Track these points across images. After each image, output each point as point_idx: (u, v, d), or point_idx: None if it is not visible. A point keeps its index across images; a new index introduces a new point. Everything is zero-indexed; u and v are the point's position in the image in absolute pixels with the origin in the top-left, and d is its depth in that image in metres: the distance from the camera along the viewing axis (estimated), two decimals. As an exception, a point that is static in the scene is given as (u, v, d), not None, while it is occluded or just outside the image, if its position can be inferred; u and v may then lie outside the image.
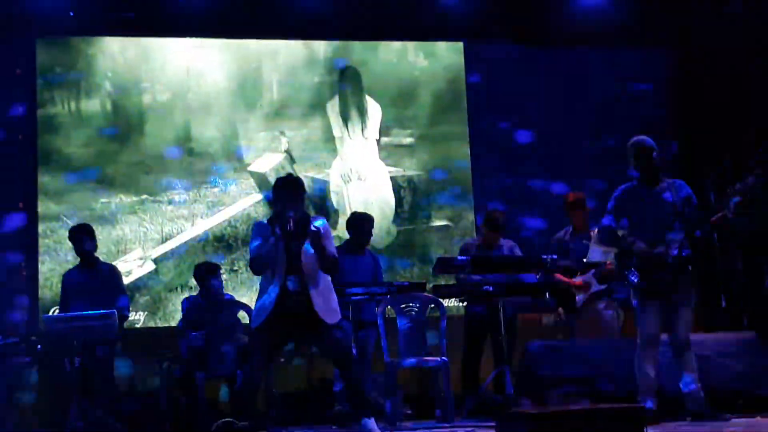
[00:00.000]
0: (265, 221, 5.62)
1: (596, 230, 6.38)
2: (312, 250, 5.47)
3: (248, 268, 8.39)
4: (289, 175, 5.96)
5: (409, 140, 9.23)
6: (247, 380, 5.65)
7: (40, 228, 8.36)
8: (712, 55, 9.29)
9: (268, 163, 8.88)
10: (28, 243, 8.35)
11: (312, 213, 7.39)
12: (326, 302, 5.52)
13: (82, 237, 7.22)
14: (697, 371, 5.82)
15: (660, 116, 9.51)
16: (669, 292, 5.80)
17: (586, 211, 7.41)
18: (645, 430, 4.35)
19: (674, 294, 5.80)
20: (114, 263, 7.88)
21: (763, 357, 6.45)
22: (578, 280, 7.18)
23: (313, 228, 5.45)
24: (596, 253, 6.85)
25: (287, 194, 5.58)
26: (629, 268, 5.83)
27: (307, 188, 6.43)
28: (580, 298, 7.16)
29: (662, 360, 5.88)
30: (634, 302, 5.94)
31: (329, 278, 5.61)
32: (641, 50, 9.64)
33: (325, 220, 5.72)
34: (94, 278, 7.17)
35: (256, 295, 5.67)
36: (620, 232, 5.98)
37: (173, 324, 8.02)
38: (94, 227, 7.42)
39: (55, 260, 8.28)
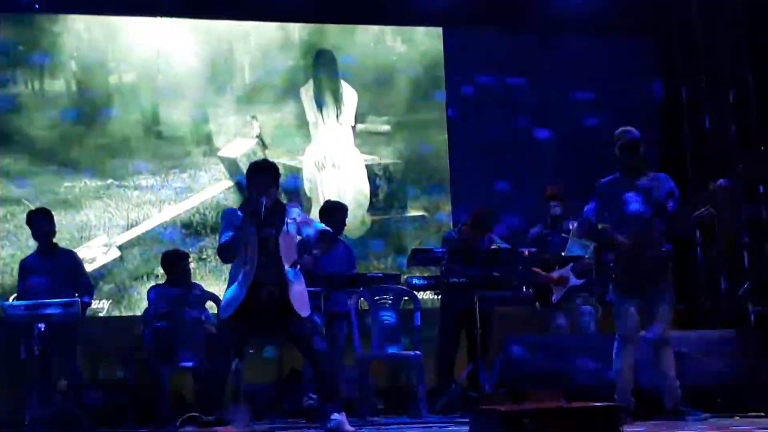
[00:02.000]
0: (236, 208, 5.60)
1: (576, 223, 6.41)
2: (288, 239, 5.46)
3: (217, 257, 8.46)
4: (263, 160, 5.94)
5: (385, 127, 9.23)
6: (215, 373, 5.65)
7: (1, 212, 8.29)
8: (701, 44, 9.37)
9: (239, 148, 8.86)
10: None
11: (284, 200, 7.39)
12: (300, 294, 5.51)
13: (40, 220, 7.16)
14: (675, 369, 5.87)
15: (646, 106, 9.57)
16: (648, 287, 5.84)
17: (563, 202, 7.43)
18: (622, 428, 4.39)
19: (653, 290, 5.85)
20: (77, 250, 7.85)
21: (743, 354, 6.52)
22: (556, 274, 7.22)
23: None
24: (575, 246, 6.91)
25: (260, 180, 5.55)
26: (608, 262, 5.87)
27: (279, 175, 6.41)
28: (557, 292, 7.20)
29: (640, 357, 5.92)
30: (613, 298, 5.98)
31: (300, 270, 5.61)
32: (627, 38, 9.67)
33: (300, 208, 5.72)
34: (53, 264, 7.11)
35: (224, 285, 5.66)
36: (600, 226, 6.01)
37: (138, 313, 7.99)
38: (57, 212, 7.39)
39: (16, 245, 8.21)
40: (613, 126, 6.11)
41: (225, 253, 5.55)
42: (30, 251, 7.63)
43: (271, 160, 6.21)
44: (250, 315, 5.44)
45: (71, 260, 7.25)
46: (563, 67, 9.44)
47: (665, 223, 5.87)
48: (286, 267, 5.45)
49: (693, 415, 5.75)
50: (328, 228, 5.73)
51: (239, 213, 5.51)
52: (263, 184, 5.52)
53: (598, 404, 4.48)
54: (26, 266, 7.20)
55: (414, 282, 7.18)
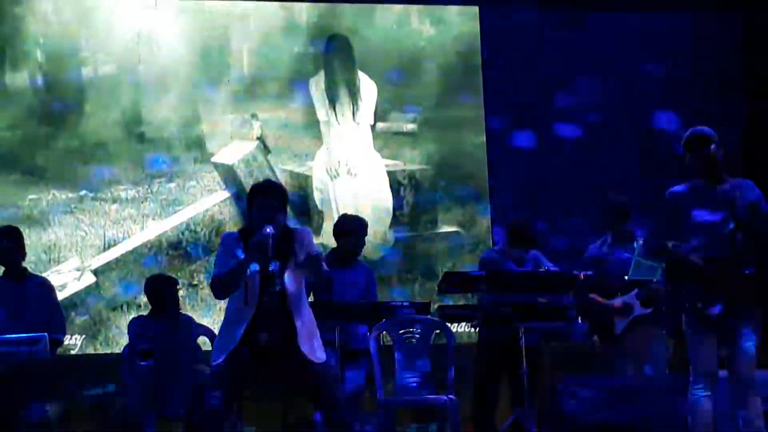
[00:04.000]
0: (236, 233, 5.61)
1: (641, 241, 6.39)
2: (298, 273, 5.47)
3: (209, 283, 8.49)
4: (268, 181, 5.96)
5: (411, 126, 9.26)
6: (207, 422, 5.66)
7: (-46, 230, 8.36)
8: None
9: (237, 153, 8.90)
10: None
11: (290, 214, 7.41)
12: (311, 337, 5.50)
13: (5, 242, 7.21)
14: (762, 416, 5.84)
15: (717, 96, 9.56)
16: (729, 318, 5.82)
17: (629, 218, 7.42)
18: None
19: (736, 321, 5.82)
20: (45, 275, 7.88)
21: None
22: (618, 302, 7.20)
23: (312, 253, 5.44)
24: (641, 268, 6.88)
25: (265, 205, 5.54)
26: (681, 288, 5.85)
27: (284, 186, 6.45)
28: (619, 323, 7.19)
29: (720, 401, 5.89)
30: (687, 330, 5.95)
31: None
32: (688, 14, 9.66)
33: (309, 230, 5.75)
34: (20, 294, 7.15)
35: (219, 316, 5.68)
36: (671, 244, 6.00)
37: (117, 350, 8.02)
38: (21, 230, 7.42)
39: (-28, 270, 8.29)
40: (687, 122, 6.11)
41: (219, 288, 5.55)
42: (-10, 277, 7.70)
43: (273, 167, 6.24)
44: (246, 363, 5.43)
45: (44, 290, 7.29)
46: (627, 50, 9.44)
47: (750, 241, 5.84)
48: (297, 304, 5.47)
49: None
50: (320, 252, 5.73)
51: (241, 241, 5.51)
52: (269, 211, 5.51)
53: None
54: (-10, 295, 7.26)
55: (447, 312, 7.17)
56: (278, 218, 5.50)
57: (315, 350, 5.48)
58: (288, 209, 5.79)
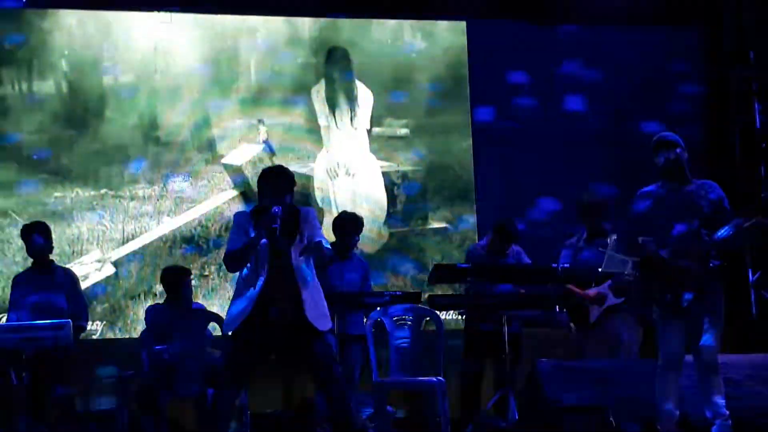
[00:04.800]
0: (248, 211, 5.63)
1: (614, 236, 6.38)
2: (303, 255, 5.48)
3: (220, 274, 8.48)
4: (277, 166, 5.98)
5: (403, 131, 9.24)
6: (220, 400, 5.65)
7: (-14, 225, 8.34)
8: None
9: (245, 154, 8.88)
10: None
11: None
12: (317, 306, 5.52)
13: (36, 237, 7.19)
14: (725, 397, 5.82)
15: (687, 104, 9.56)
16: (694, 307, 5.80)
17: (603, 215, 7.41)
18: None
19: (700, 310, 5.81)
20: (69, 266, 7.87)
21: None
22: (592, 292, 7.19)
23: (314, 239, 5.46)
24: (613, 261, 6.87)
25: (274, 187, 5.57)
26: (650, 280, 5.84)
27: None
28: (594, 312, 7.17)
29: (686, 384, 5.88)
30: (656, 319, 5.94)
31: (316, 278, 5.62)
32: (665, 28, 9.64)
33: (313, 210, 5.76)
34: (47, 283, 7.14)
35: (228, 304, 5.66)
36: (641, 239, 5.99)
37: (135, 335, 8.01)
38: (49, 225, 7.40)
39: (2, 262, 8.25)
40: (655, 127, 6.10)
41: (232, 262, 5.59)
42: (18, 268, 7.69)
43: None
44: (258, 331, 5.43)
45: (68, 280, 7.28)
46: (600, 61, 9.42)
47: (712, 235, 5.82)
48: (303, 278, 5.47)
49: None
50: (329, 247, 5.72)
51: (252, 220, 5.53)
52: (277, 192, 5.54)
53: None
54: (19, 284, 7.23)
55: (436, 301, 7.16)
56: (286, 199, 5.52)
57: (320, 319, 5.49)
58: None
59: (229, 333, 5.56)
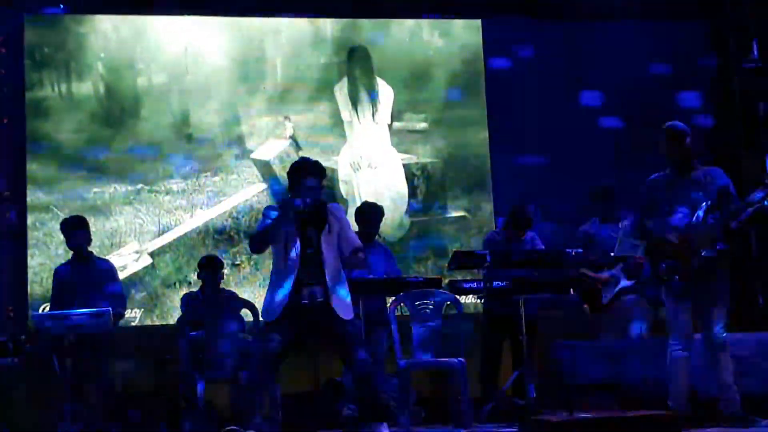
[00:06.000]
0: (276, 205, 5.67)
1: (625, 222, 6.37)
2: (333, 240, 5.51)
3: (251, 263, 8.51)
4: (306, 159, 6.00)
5: (423, 125, 9.22)
6: (253, 381, 5.68)
7: (29, 219, 8.37)
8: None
9: (272, 150, 8.89)
10: (16, 235, 8.36)
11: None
12: (343, 297, 5.57)
13: (76, 230, 7.25)
14: (732, 373, 5.81)
15: (699, 96, 9.51)
16: (702, 288, 5.79)
17: (614, 201, 7.39)
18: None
19: (707, 290, 5.80)
20: (108, 257, 7.92)
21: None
22: (605, 275, 7.17)
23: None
24: (625, 246, 6.86)
25: (303, 179, 5.61)
26: (660, 263, 5.83)
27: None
28: (606, 294, 7.16)
29: (695, 361, 5.87)
30: (665, 299, 5.93)
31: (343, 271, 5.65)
32: (682, 23, 9.58)
33: (341, 207, 5.79)
34: (88, 274, 7.20)
35: (259, 291, 5.70)
36: (650, 224, 5.98)
37: (171, 322, 8.05)
38: (87, 219, 7.45)
39: (45, 254, 8.29)
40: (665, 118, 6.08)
41: (256, 242, 5.67)
42: (60, 260, 7.73)
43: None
44: (296, 316, 5.49)
45: (107, 270, 7.34)
46: (610, 56, 9.37)
47: (719, 220, 5.80)
48: (332, 268, 5.51)
49: (752, 422, 5.69)
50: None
51: (280, 209, 5.59)
52: (306, 184, 5.58)
53: (653, 412, 4.45)
54: (61, 275, 7.29)
55: (456, 286, 7.16)
56: (316, 192, 5.59)
57: (343, 309, 5.53)
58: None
59: (268, 321, 5.58)
